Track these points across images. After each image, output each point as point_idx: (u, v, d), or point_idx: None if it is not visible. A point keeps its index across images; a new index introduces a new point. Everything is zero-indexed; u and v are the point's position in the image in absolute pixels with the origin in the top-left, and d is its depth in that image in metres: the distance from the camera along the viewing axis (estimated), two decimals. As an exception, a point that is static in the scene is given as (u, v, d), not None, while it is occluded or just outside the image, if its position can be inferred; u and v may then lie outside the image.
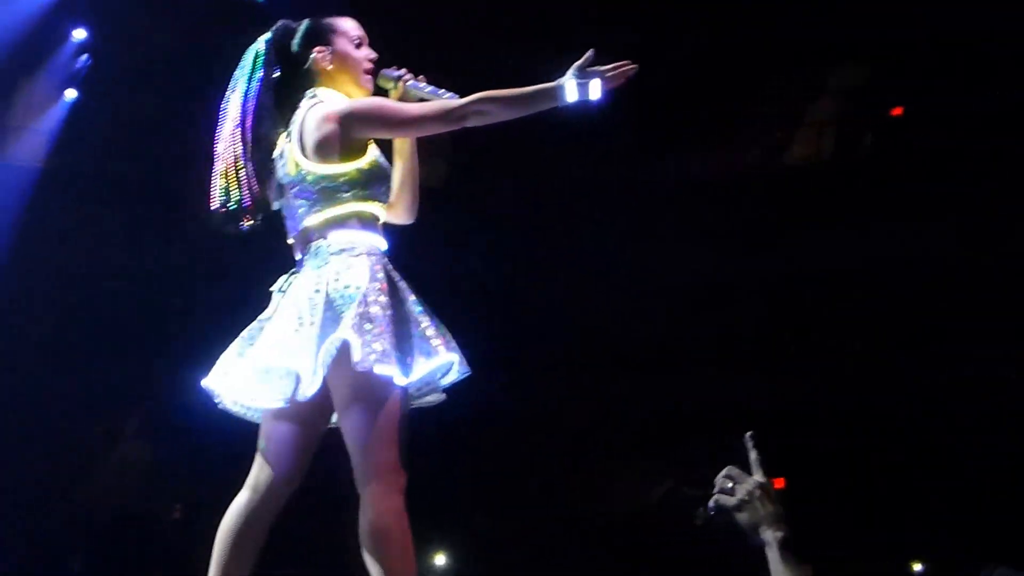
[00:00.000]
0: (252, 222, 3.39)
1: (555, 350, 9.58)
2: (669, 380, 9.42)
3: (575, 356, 9.67)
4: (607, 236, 9.11)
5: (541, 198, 9.20)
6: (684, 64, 8.14)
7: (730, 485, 2.23)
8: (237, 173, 3.34)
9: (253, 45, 3.53)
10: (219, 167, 3.41)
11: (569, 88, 3.27)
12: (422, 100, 3.51)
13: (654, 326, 9.26)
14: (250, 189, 3.34)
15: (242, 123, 3.37)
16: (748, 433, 2.28)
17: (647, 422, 9.75)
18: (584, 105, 3.29)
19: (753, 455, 2.28)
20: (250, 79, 3.44)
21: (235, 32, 3.79)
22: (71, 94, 8.47)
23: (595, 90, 3.27)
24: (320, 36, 3.56)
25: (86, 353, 8.67)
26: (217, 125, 3.46)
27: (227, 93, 3.49)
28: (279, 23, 3.58)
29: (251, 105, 3.39)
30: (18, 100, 8.27)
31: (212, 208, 3.40)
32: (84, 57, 8.29)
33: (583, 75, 3.27)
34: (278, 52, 3.53)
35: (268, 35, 3.56)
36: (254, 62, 3.48)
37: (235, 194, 3.35)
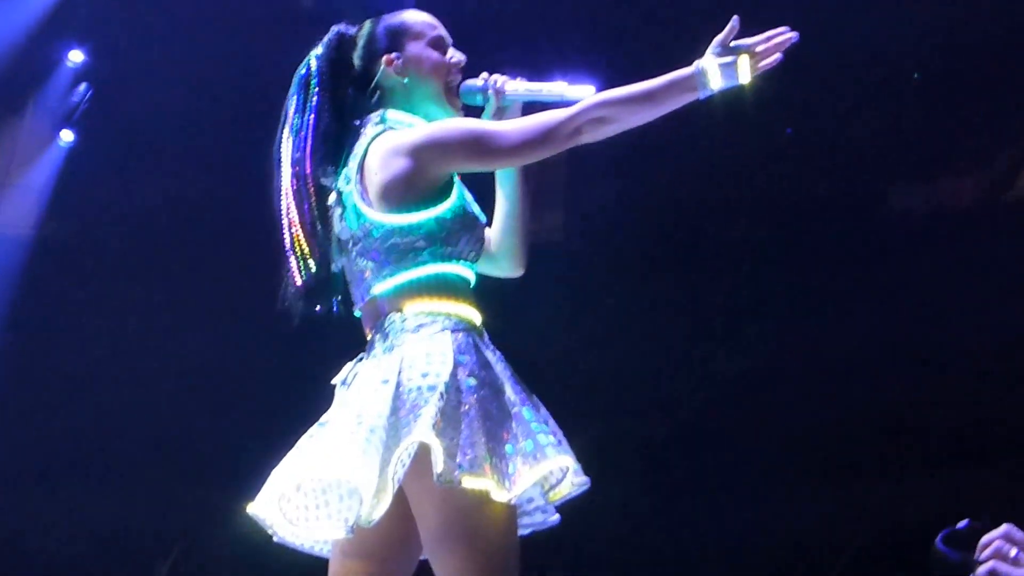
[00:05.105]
0: (330, 301, 3.06)
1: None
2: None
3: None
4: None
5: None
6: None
7: (1013, 554, 1.97)
8: (309, 238, 3.05)
9: (302, 64, 3.19)
10: (291, 232, 3.06)
11: (711, 72, 2.84)
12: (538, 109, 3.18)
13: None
14: (318, 260, 3.01)
15: (300, 171, 3.04)
16: None
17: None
18: (735, 94, 2.88)
19: None
20: (303, 110, 3.11)
21: (279, 49, 3.51)
22: (67, 136, 7.72)
23: (744, 71, 2.83)
24: (387, 40, 3.21)
25: (88, 479, 7.75)
26: (275, 175, 3.13)
27: (279, 131, 3.14)
28: (331, 31, 3.23)
29: (308, 145, 3.05)
30: (-1, 148, 7.90)
31: (296, 287, 3.02)
32: (83, 87, 7.54)
33: (727, 53, 2.84)
34: (335, 70, 3.16)
35: (320, 50, 3.20)
36: (306, 87, 3.15)
37: (312, 265, 3.02)
